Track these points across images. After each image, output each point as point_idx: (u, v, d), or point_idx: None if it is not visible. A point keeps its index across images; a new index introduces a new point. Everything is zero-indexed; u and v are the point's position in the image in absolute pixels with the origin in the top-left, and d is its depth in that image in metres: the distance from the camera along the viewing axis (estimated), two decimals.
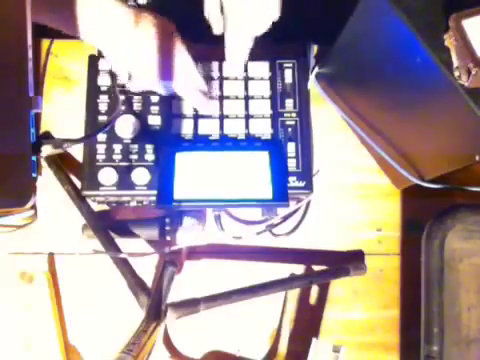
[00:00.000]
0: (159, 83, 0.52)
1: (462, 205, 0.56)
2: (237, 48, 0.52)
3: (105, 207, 0.59)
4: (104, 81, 0.55)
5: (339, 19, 0.50)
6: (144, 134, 0.54)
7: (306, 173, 0.55)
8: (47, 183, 0.58)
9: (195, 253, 0.59)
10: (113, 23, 0.48)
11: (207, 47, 0.56)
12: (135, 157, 0.54)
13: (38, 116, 0.60)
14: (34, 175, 0.56)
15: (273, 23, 0.50)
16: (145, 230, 0.58)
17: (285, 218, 0.61)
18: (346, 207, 0.62)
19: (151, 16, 0.49)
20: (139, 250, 0.58)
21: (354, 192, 0.62)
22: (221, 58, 0.56)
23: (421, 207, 0.60)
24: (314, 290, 0.60)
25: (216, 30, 0.51)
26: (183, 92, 0.54)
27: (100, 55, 0.57)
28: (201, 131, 0.55)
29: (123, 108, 0.55)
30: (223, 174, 0.52)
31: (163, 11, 0.50)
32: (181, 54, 0.51)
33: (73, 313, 0.58)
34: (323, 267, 0.60)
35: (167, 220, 0.57)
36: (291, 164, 0.54)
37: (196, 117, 0.56)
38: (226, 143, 0.55)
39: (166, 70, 0.50)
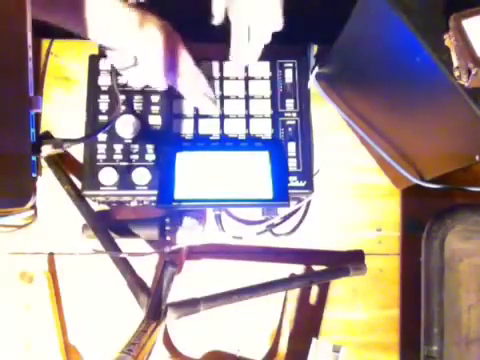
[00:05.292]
0: (161, 80, 0.52)
1: (462, 205, 0.56)
2: (241, 52, 0.52)
3: (105, 207, 0.59)
4: (104, 81, 0.55)
5: (339, 19, 0.50)
6: (145, 134, 0.54)
7: (306, 173, 0.55)
8: (47, 183, 0.58)
9: (195, 253, 0.59)
10: (118, 24, 0.48)
11: (207, 46, 0.56)
12: (136, 157, 0.54)
13: (38, 116, 0.60)
14: (34, 175, 0.56)
15: None
16: (145, 230, 0.58)
17: (285, 218, 0.61)
18: (346, 207, 0.62)
19: (155, 18, 0.49)
20: (139, 250, 0.58)
21: (354, 192, 0.62)
22: (221, 58, 0.56)
23: (421, 207, 0.60)
24: (314, 290, 0.60)
25: (216, 21, 0.51)
26: (187, 93, 0.54)
27: (100, 55, 0.57)
28: (201, 131, 0.55)
29: (123, 108, 0.55)
30: (223, 174, 0.52)
31: (164, 10, 0.50)
32: (184, 56, 0.51)
33: (73, 313, 0.58)
34: (323, 267, 0.60)
35: (167, 220, 0.57)
36: (291, 164, 0.54)
37: (196, 117, 0.56)
38: (226, 143, 0.55)
39: (171, 69, 0.51)
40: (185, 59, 0.51)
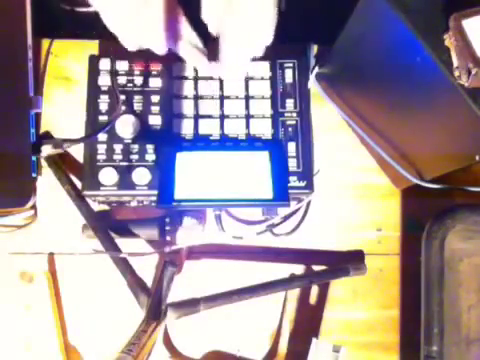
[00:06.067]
0: (162, 44, 0.52)
1: (462, 205, 0.56)
2: (233, 67, 0.52)
3: (105, 207, 0.59)
4: (104, 81, 0.55)
5: (339, 19, 0.50)
6: (145, 134, 0.54)
7: (306, 173, 0.55)
8: (47, 183, 0.58)
9: (195, 253, 0.59)
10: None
11: (207, 47, 0.56)
12: (136, 157, 0.54)
13: (38, 116, 0.59)
14: (34, 175, 0.56)
15: None
16: (145, 230, 0.58)
17: (285, 218, 0.61)
18: (346, 207, 0.62)
19: None
20: (139, 250, 0.58)
21: (354, 192, 0.62)
22: None
23: (421, 207, 0.60)
24: (314, 290, 0.60)
25: (212, 30, 0.51)
26: (185, 53, 0.53)
27: (100, 55, 0.57)
28: (202, 131, 0.55)
29: (123, 108, 0.55)
30: (223, 174, 0.52)
31: None
32: (183, 19, 0.51)
33: (73, 313, 0.58)
34: (323, 267, 0.60)
35: (167, 220, 0.57)
36: (291, 164, 0.54)
37: (196, 117, 0.56)
38: (226, 143, 0.55)
39: (172, 34, 0.50)
40: (184, 22, 0.51)
